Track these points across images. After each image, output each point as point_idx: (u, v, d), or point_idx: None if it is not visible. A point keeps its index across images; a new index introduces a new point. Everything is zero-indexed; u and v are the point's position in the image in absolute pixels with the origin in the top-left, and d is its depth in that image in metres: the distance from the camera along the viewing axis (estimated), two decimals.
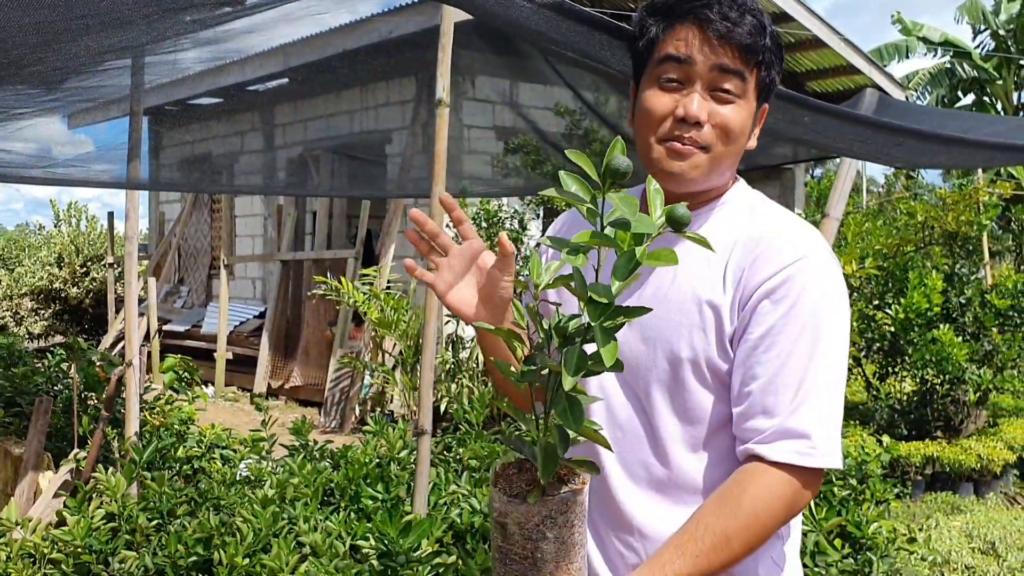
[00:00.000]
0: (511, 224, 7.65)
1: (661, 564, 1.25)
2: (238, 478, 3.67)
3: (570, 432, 1.11)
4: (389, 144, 9.60)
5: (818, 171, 21.88)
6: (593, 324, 1.12)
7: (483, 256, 1.32)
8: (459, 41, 3.50)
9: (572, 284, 1.12)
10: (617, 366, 1.10)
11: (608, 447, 1.22)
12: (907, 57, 19.29)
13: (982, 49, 19.22)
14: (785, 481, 1.28)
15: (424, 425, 2.89)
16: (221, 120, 11.37)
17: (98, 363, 5.26)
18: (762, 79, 1.37)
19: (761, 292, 1.32)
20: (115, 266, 11.23)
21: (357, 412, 8.75)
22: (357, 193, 9.71)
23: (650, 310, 1.20)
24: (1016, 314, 6.99)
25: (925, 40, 18.85)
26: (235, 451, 4.17)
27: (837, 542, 3.14)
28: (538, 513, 1.13)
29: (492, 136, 9.23)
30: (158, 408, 4.30)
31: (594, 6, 9.64)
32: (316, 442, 3.75)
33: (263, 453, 3.80)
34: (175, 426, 4.21)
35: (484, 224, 7.58)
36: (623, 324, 1.14)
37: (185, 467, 4.16)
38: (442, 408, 7.11)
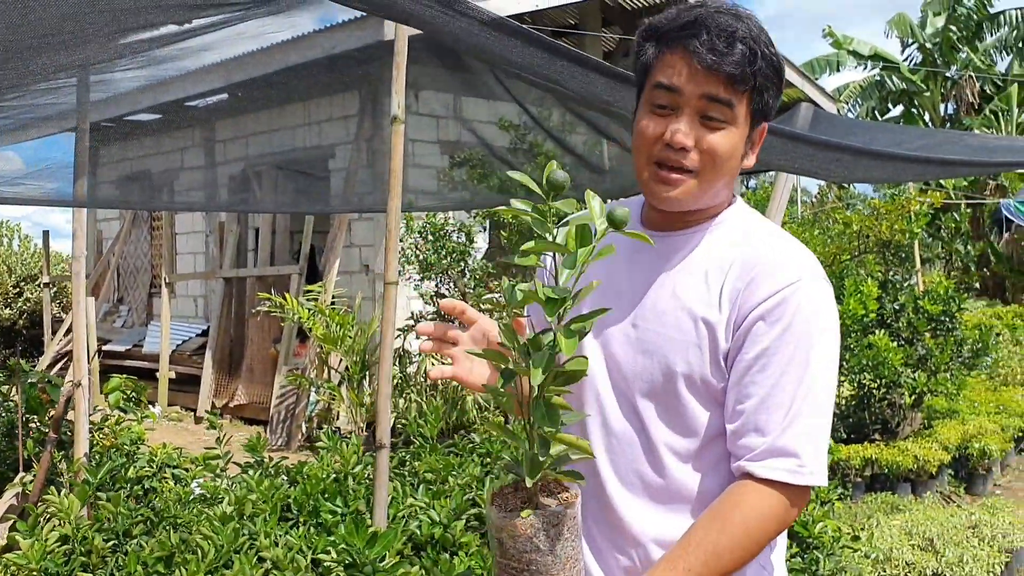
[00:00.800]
0: (457, 237, 7.70)
1: (651, 572, 1.31)
2: (192, 497, 3.65)
3: (550, 433, 1.17)
4: (332, 159, 9.58)
5: (752, 182, 22.32)
6: (549, 318, 1.20)
7: (493, 331, 1.42)
8: (414, 56, 3.54)
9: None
10: (580, 366, 1.18)
11: (590, 453, 1.27)
12: (838, 70, 19.85)
13: (910, 62, 19.86)
14: (776, 498, 1.34)
15: (383, 439, 2.92)
16: (161, 136, 11.17)
17: (40, 385, 5.16)
18: (755, 103, 1.41)
19: (756, 313, 1.36)
20: (51, 286, 10.98)
21: (304, 429, 8.69)
22: (301, 209, 9.67)
23: (608, 310, 1.30)
24: (947, 319, 7.24)
25: (855, 53, 19.42)
26: (187, 470, 4.13)
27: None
28: (530, 526, 1.19)
29: (437, 150, 9.26)
30: (107, 428, 4.24)
31: (535, 23, 9.76)
32: (271, 458, 3.75)
33: (217, 471, 3.78)
34: (125, 446, 4.16)
35: (431, 237, 7.61)
36: (585, 327, 1.22)
37: (136, 487, 4.11)
38: (390, 422, 7.10)
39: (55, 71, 2.82)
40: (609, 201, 1.61)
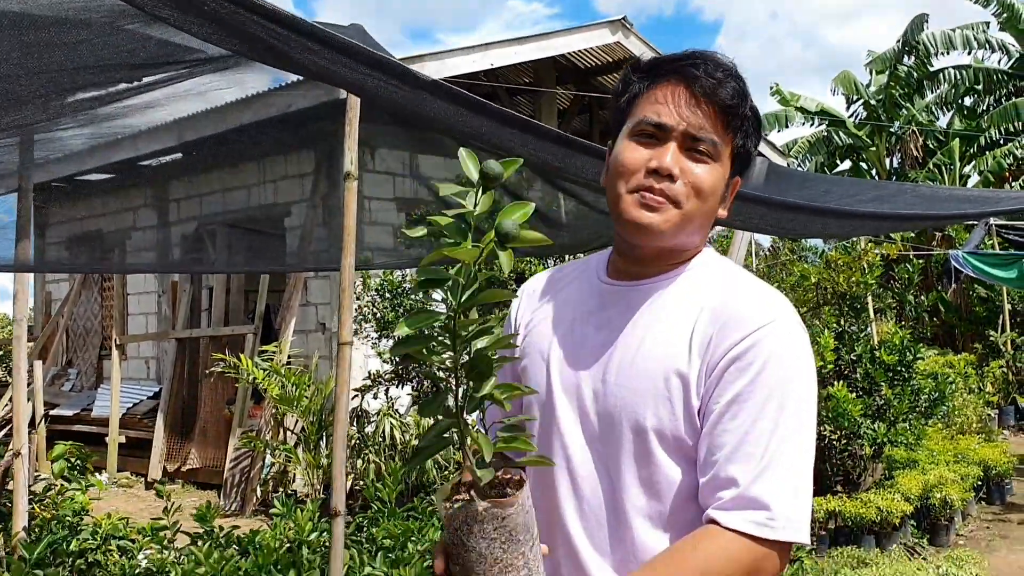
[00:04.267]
0: (415, 296, 7.63)
1: None
2: (137, 571, 3.48)
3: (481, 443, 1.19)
4: (288, 217, 9.50)
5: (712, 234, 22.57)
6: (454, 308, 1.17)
7: None
8: (361, 115, 3.50)
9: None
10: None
11: (532, 449, 1.26)
12: (787, 126, 20.31)
13: (855, 118, 20.38)
14: (742, 547, 1.26)
15: (337, 506, 2.81)
16: (112, 196, 11.05)
17: None
18: (737, 147, 1.38)
19: (728, 359, 1.31)
20: None
21: (259, 493, 8.46)
22: (256, 268, 9.54)
23: (515, 353, 1.31)
24: (903, 368, 7.29)
25: (802, 110, 19.90)
26: (133, 541, 3.97)
27: None
28: (455, 518, 1.20)
29: (394, 208, 9.23)
30: (48, 499, 4.06)
31: (490, 81, 9.83)
32: (222, 528, 3.60)
33: (165, 542, 3.62)
34: (67, 518, 3.98)
35: (388, 295, 7.53)
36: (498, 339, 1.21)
37: (79, 561, 3.93)
38: (347, 485, 6.94)
39: None
40: (568, 258, 1.58)
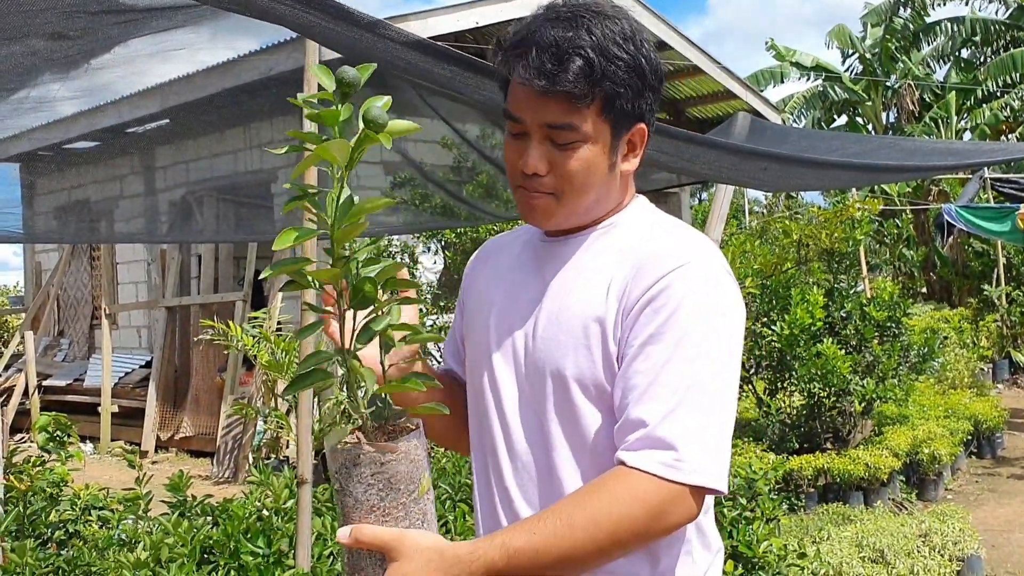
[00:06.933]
0: (401, 258, 7.58)
1: (496, 535, 1.22)
2: (114, 540, 3.47)
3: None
4: (275, 183, 9.43)
5: (704, 195, 22.50)
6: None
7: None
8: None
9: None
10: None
11: (422, 389, 1.22)
12: (782, 82, 20.08)
13: (851, 72, 20.17)
14: (649, 487, 1.22)
15: (304, 474, 2.79)
16: (99, 165, 10.95)
17: None
18: (608, 111, 1.32)
19: (643, 301, 1.29)
20: None
21: (251, 460, 8.48)
22: (243, 237, 9.49)
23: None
24: (893, 324, 7.25)
25: (798, 65, 19.68)
26: (113, 511, 3.95)
27: (729, 564, 3.16)
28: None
29: (381, 171, 9.15)
30: (25, 472, 4.04)
31: (477, 42, 9.70)
32: (195, 497, 3.58)
33: (139, 512, 3.61)
34: (45, 490, 3.97)
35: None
36: None
37: (59, 532, 3.92)
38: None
39: None
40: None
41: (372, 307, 1.18)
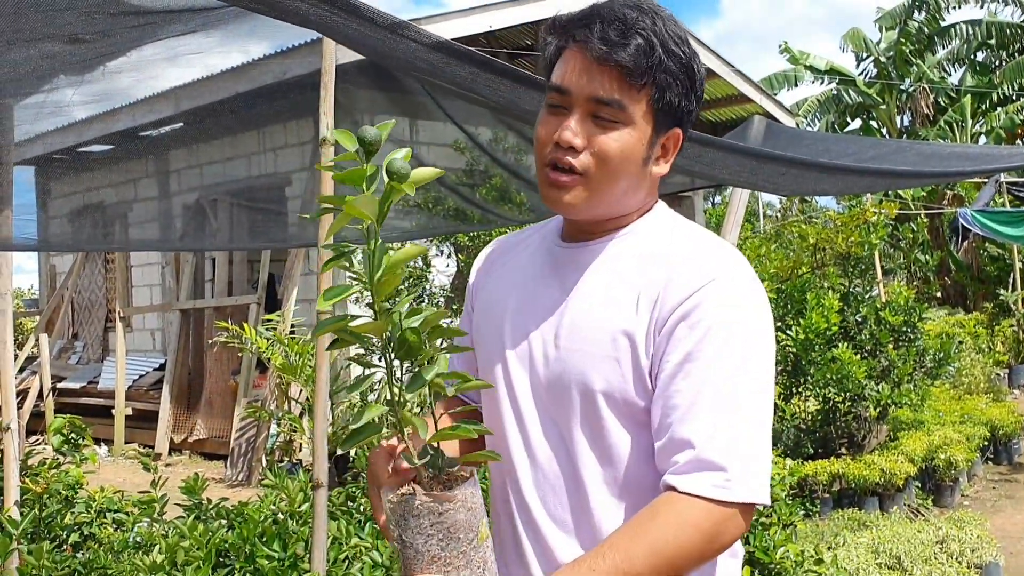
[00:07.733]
0: (414, 262, 7.58)
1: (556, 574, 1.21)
2: (129, 543, 3.48)
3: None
4: (289, 187, 9.44)
5: (717, 198, 22.43)
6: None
7: None
8: (356, 81, 3.42)
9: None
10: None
11: (472, 436, 1.22)
12: (796, 85, 20.03)
13: (865, 76, 20.09)
14: (702, 510, 1.22)
15: (320, 478, 2.78)
16: (113, 169, 10.99)
17: None
18: (656, 102, 1.31)
19: (676, 316, 1.27)
20: None
21: (264, 463, 8.48)
22: (258, 244, 9.51)
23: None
24: (908, 329, 7.21)
25: (812, 68, 19.61)
26: (128, 514, 3.96)
27: (746, 571, 3.13)
28: (395, 512, 1.17)
29: None
30: (41, 474, 4.06)
31: (490, 45, 9.71)
32: (210, 500, 3.59)
33: (154, 515, 3.61)
34: (61, 492, 3.98)
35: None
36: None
37: (74, 535, 3.93)
38: (351, 456, 6.94)
39: None
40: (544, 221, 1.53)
41: (418, 357, 1.17)
